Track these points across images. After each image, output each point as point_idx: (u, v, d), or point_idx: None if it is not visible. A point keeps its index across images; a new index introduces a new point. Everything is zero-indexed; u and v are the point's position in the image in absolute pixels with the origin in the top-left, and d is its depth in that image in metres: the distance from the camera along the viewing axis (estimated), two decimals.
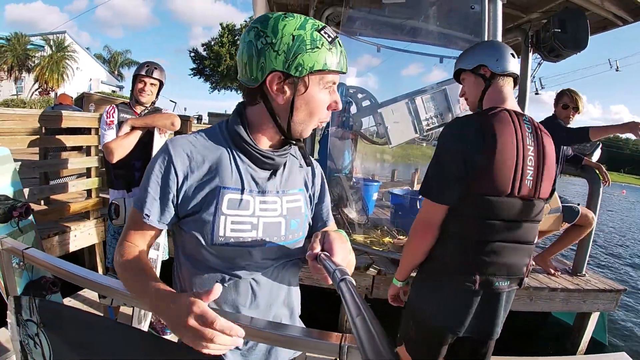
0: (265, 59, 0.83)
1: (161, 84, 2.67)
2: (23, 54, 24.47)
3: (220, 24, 34.01)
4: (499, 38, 2.68)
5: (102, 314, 2.78)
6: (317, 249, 0.76)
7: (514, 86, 1.50)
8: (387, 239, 3.66)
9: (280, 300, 1.02)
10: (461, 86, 1.56)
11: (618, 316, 4.70)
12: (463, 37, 3.29)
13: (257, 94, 0.89)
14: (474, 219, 1.33)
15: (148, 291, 0.79)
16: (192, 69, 34.68)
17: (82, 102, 8.15)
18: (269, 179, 0.96)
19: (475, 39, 2.82)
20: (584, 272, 3.54)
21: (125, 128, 2.49)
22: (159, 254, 2.54)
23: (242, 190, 0.92)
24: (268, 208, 0.95)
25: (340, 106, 0.91)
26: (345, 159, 3.88)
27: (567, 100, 3.21)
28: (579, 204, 3.27)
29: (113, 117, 2.51)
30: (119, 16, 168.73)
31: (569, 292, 3.23)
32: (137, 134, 2.52)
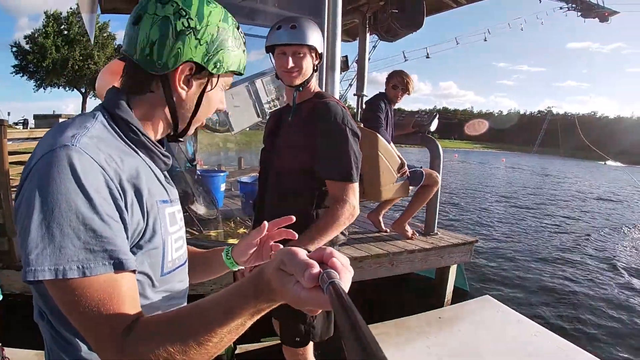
0: (183, 45, 0.70)
1: None
2: None
3: (45, 12, 30.22)
4: (339, 18, 2.71)
5: None
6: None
7: None
8: (241, 230, 3.61)
9: None
10: (292, 58, 1.47)
11: (475, 263, 5.39)
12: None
13: (154, 82, 0.73)
14: None
15: (230, 305, 0.55)
16: (14, 67, 29.99)
17: None
18: (170, 183, 0.83)
19: (317, 20, 2.82)
20: (435, 231, 3.95)
21: None
22: None
23: (171, 201, 0.77)
24: (181, 217, 0.83)
25: (224, 107, 0.85)
26: (188, 151, 3.65)
27: (397, 82, 3.51)
28: (421, 167, 3.59)
29: None
30: None
31: (427, 252, 3.55)
32: None
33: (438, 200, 3.86)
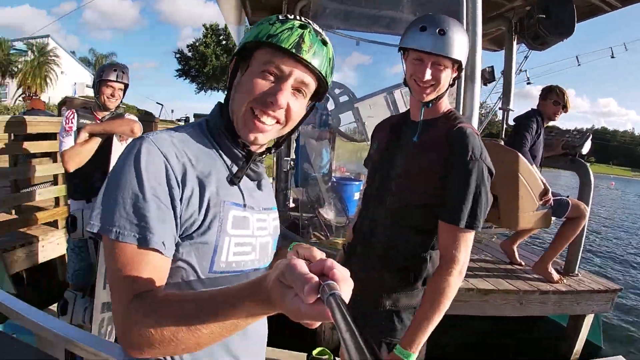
0: None
1: (126, 86, 2.53)
2: (5, 60, 24.08)
3: (204, 25, 34.31)
4: (479, 22, 2.50)
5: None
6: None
7: None
8: None
9: (263, 332, 0.91)
10: (430, 70, 1.23)
11: (613, 317, 4.55)
12: None
13: None
14: None
15: (228, 302, 0.57)
16: (177, 70, 34.95)
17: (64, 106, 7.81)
18: (258, 192, 0.86)
19: None
20: (576, 272, 3.39)
21: (83, 135, 2.35)
22: None
23: (245, 206, 0.79)
24: (261, 226, 0.84)
25: (280, 101, 0.72)
26: (323, 159, 3.74)
27: (557, 97, 3.13)
28: (568, 196, 3.12)
29: (72, 122, 2.37)
30: (106, 18, 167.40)
31: (562, 295, 3.07)
32: (96, 141, 2.37)
33: (584, 237, 3.29)
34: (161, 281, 0.67)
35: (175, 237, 0.69)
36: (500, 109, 4.07)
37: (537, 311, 3.08)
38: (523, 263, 3.49)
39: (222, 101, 0.82)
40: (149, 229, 0.64)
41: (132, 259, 0.64)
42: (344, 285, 0.48)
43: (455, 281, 1.18)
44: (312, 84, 0.76)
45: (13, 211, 3.68)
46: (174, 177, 0.68)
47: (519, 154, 2.78)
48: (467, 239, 1.19)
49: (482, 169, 1.19)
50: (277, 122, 0.76)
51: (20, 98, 21.85)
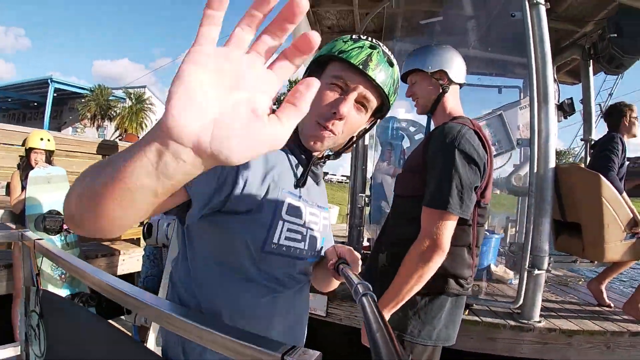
0: None
1: None
2: (105, 104, 27.63)
3: (289, 80, 36.53)
4: (547, 47, 2.43)
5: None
6: (335, 258, 0.80)
7: None
8: None
9: (303, 320, 0.95)
10: (408, 86, 1.52)
11: None
12: (510, 60, 3.08)
13: None
14: (471, 226, 1.34)
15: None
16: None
17: None
18: (315, 188, 0.92)
19: (522, 59, 2.60)
20: None
21: None
22: None
23: (300, 197, 0.85)
24: (313, 220, 0.89)
25: (342, 111, 0.78)
26: None
27: (630, 112, 2.87)
28: None
29: None
30: None
31: None
32: None
33: None
34: None
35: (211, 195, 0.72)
36: (582, 139, 3.82)
37: (627, 356, 2.65)
38: (612, 305, 3.07)
39: None
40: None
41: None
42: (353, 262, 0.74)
43: (420, 256, 1.22)
44: (374, 101, 0.82)
45: None
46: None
47: (601, 176, 2.55)
48: (440, 219, 1.22)
49: (452, 153, 1.23)
50: (336, 132, 0.81)
51: (118, 139, 24.54)
